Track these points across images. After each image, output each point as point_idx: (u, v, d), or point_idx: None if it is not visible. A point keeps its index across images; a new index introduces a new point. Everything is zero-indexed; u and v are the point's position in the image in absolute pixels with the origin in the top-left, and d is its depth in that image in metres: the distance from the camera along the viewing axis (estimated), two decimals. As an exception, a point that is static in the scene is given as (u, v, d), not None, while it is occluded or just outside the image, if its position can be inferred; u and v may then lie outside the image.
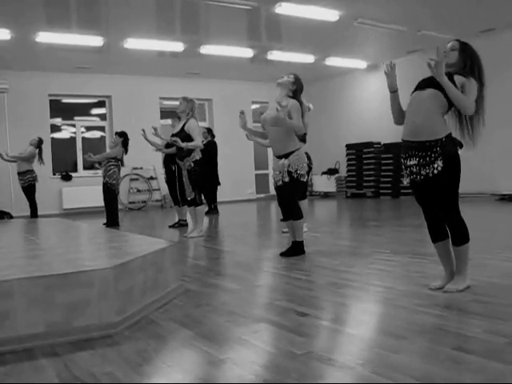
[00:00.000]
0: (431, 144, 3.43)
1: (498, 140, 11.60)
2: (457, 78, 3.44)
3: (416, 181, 3.56)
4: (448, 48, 3.59)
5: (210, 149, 11.31)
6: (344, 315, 3.28)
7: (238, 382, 2.21)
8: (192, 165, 7.26)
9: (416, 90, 3.62)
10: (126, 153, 9.68)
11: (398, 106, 3.76)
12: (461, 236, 3.56)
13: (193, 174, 7.28)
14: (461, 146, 3.52)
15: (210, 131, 11.73)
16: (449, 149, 3.41)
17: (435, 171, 3.43)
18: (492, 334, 2.63)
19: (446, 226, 3.59)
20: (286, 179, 5.31)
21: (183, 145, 7.08)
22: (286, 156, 5.33)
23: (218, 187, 12.00)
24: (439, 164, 3.41)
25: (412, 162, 3.54)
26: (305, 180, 5.45)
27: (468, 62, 3.53)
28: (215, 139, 11.91)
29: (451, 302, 3.31)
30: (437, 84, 3.42)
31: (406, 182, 3.68)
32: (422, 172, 3.49)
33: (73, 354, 2.62)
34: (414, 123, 3.51)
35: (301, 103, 5.41)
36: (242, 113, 5.76)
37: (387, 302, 3.45)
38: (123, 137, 9.68)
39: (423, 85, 3.57)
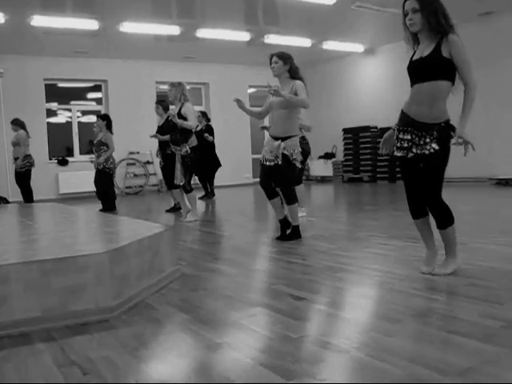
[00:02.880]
0: (429, 126, 3.42)
1: (495, 124, 11.60)
2: (444, 50, 3.36)
3: (406, 157, 3.56)
4: (410, 11, 3.43)
5: (208, 133, 11.31)
6: (340, 299, 3.29)
7: (235, 366, 2.22)
8: (189, 151, 7.24)
9: (412, 81, 3.58)
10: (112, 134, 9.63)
11: None
12: (444, 218, 3.56)
13: (187, 160, 7.26)
14: (453, 130, 3.48)
15: (204, 115, 11.67)
16: (446, 134, 3.40)
17: (427, 152, 3.43)
18: (488, 318, 2.64)
19: (429, 209, 3.59)
20: (280, 161, 5.29)
21: (179, 121, 7.05)
22: (283, 139, 5.32)
23: (218, 170, 11.96)
24: (434, 147, 3.40)
25: (406, 137, 3.53)
26: (299, 166, 5.43)
27: (433, 20, 3.38)
28: (210, 122, 11.87)
29: (447, 286, 3.33)
30: (434, 74, 3.40)
31: (397, 153, 3.64)
32: (414, 150, 3.49)
33: (69, 339, 2.63)
34: (420, 110, 3.47)
35: (302, 80, 5.40)
36: (238, 100, 5.70)
37: (383, 286, 3.46)
38: (106, 119, 9.61)
39: (421, 77, 3.49)
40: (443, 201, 3.55)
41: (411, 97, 3.57)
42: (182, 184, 7.43)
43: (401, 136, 3.57)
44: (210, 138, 11.29)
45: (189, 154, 7.24)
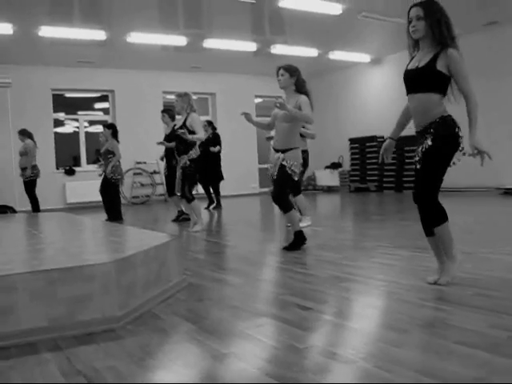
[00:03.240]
0: (427, 127, 3.44)
1: (502, 134, 11.57)
2: (439, 62, 3.37)
3: (417, 169, 3.56)
4: (414, 18, 3.44)
5: (215, 142, 11.34)
6: (347, 309, 3.28)
7: (241, 376, 2.21)
8: (188, 163, 7.24)
9: (407, 90, 3.59)
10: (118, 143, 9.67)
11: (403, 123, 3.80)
12: (437, 216, 3.52)
13: (187, 172, 7.26)
14: (454, 123, 3.47)
15: (210, 124, 11.68)
16: (441, 129, 3.39)
17: (423, 149, 3.44)
18: (495, 328, 2.62)
19: (421, 208, 3.56)
20: (277, 172, 5.36)
21: (189, 137, 7.06)
22: (284, 151, 5.35)
23: (222, 181, 11.97)
24: (428, 142, 3.42)
25: (417, 150, 3.54)
26: (296, 179, 5.48)
27: (436, 29, 3.39)
28: (216, 131, 11.88)
29: (454, 296, 3.31)
30: (426, 87, 3.42)
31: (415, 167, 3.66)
32: (417, 156, 3.50)
33: (76, 348, 2.63)
34: (417, 120, 3.52)
35: (308, 94, 5.41)
36: (245, 113, 5.74)
37: (390, 296, 3.44)
38: (112, 128, 9.65)
39: (414, 88, 3.51)
40: (439, 202, 3.52)
41: (410, 107, 3.61)
42: (179, 194, 7.45)
43: (417, 151, 3.57)
44: (217, 148, 11.30)
45: (189, 166, 7.23)
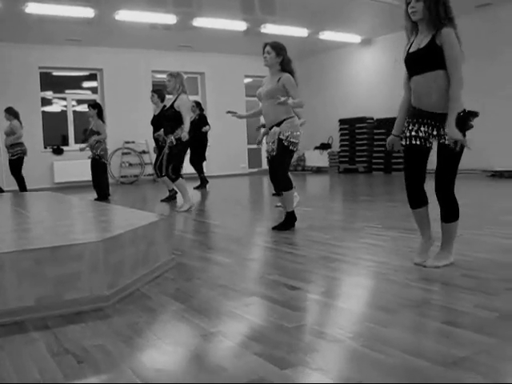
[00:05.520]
0: (445, 114, 3.36)
1: (490, 116, 11.58)
2: (437, 41, 3.32)
3: (418, 146, 3.51)
4: None
5: (201, 123, 11.26)
6: (335, 289, 3.29)
7: (229, 355, 2.22)
8: (174, 142, 7.20)
9: (411, 73, 3.55)
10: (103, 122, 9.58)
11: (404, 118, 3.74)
12: (451, 213, 3.55)
13: (174, 151, 7.23)
14: (475, 115, 3.44)
15: (198, 105, 11.60)
16: (462, 124, 3.32)
17: (446, 142, 3.37)
18: (482, 309, 2.64)
19: (438, 200, 3.56)
20: (276, 148, 5.27)
21: (185, 133, 7.09)
22: (278, 124, 5.29)
23: (212, 160, 11.90)
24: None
25: (423, 129, 3.47)
26: (295, 149, 5.36)
27: (433, 10, 3.33)
28: (204, 113, 11.81)
29: (442, 277, 3.33)
30: (433, 64, 3.37)
31: (403, 142, 3.62)
32: (431, 140, 3.46)
33: (64, 327, 2.62)
34: (429, 102, 3.43)
35: (292, 73, 5.34)
36: (230, 112, 5.77)
37: (378, 277, 3.46)
38: (97, 108, 9.56)
39: (420, 68, 3.45)
40: (455, 195, 3.54)
41: (414, 90, 3.52)
42: (164, 174, 7.44)
43: (416, 127, 3.50)
44: (207, 127, 11.22)
45: (175, 145, 7.19)
